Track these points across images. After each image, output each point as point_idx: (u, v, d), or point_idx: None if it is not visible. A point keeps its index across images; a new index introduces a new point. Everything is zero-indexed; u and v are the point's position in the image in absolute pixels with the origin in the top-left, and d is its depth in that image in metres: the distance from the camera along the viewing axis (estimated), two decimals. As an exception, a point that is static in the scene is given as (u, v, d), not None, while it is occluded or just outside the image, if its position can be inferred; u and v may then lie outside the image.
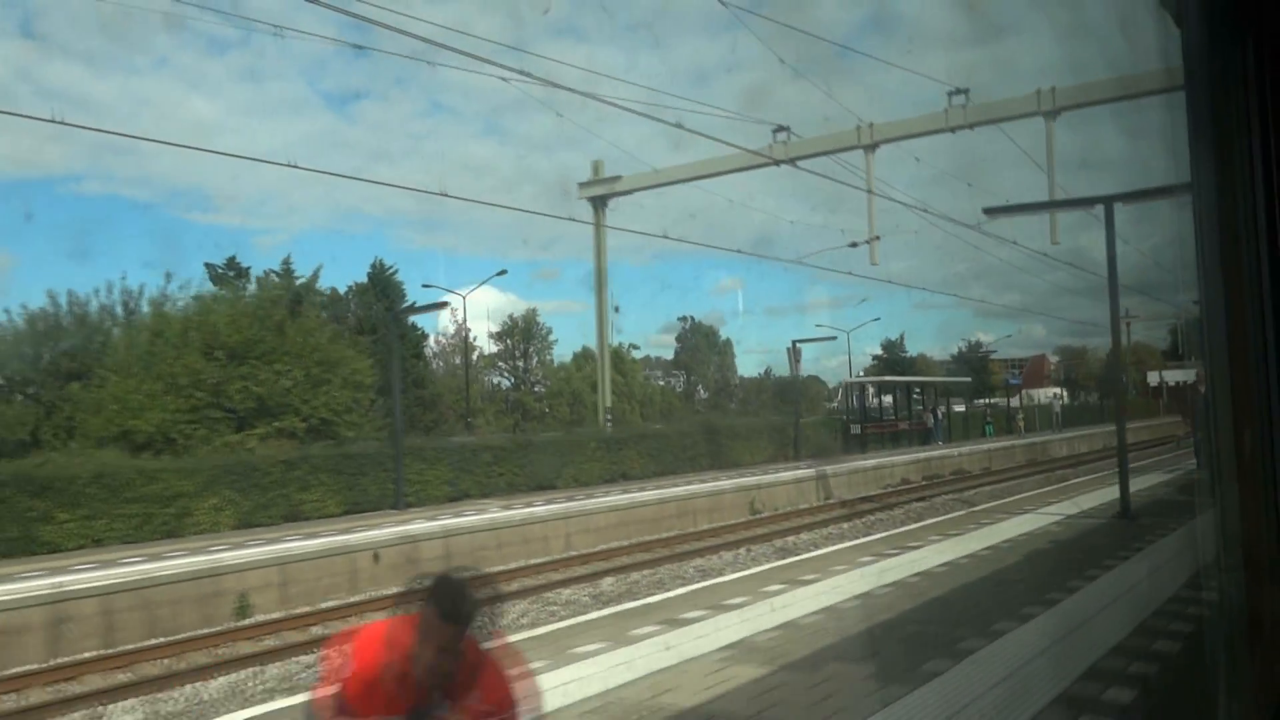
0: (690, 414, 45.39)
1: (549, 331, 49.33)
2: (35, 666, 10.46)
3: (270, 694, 8.97)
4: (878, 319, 77.63)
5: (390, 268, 37.89)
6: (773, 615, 8.62)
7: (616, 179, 25.35)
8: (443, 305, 32.91)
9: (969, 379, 54.33)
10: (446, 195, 23.18)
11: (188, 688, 9.61)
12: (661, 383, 58.31)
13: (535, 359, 52.56)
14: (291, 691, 8.53)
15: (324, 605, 13.25)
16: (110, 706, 8.98)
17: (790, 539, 18.10)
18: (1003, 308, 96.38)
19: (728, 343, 61.26)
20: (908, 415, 40.21)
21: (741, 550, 16.93)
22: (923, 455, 32.75)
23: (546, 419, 42.27)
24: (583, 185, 26.14)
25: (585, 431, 27.31)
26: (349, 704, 2.53)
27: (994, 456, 35.71)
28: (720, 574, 13.55)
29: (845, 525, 19.97)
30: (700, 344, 60.90)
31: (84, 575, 11.93)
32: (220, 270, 34.89)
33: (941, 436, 40.86)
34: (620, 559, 16.35)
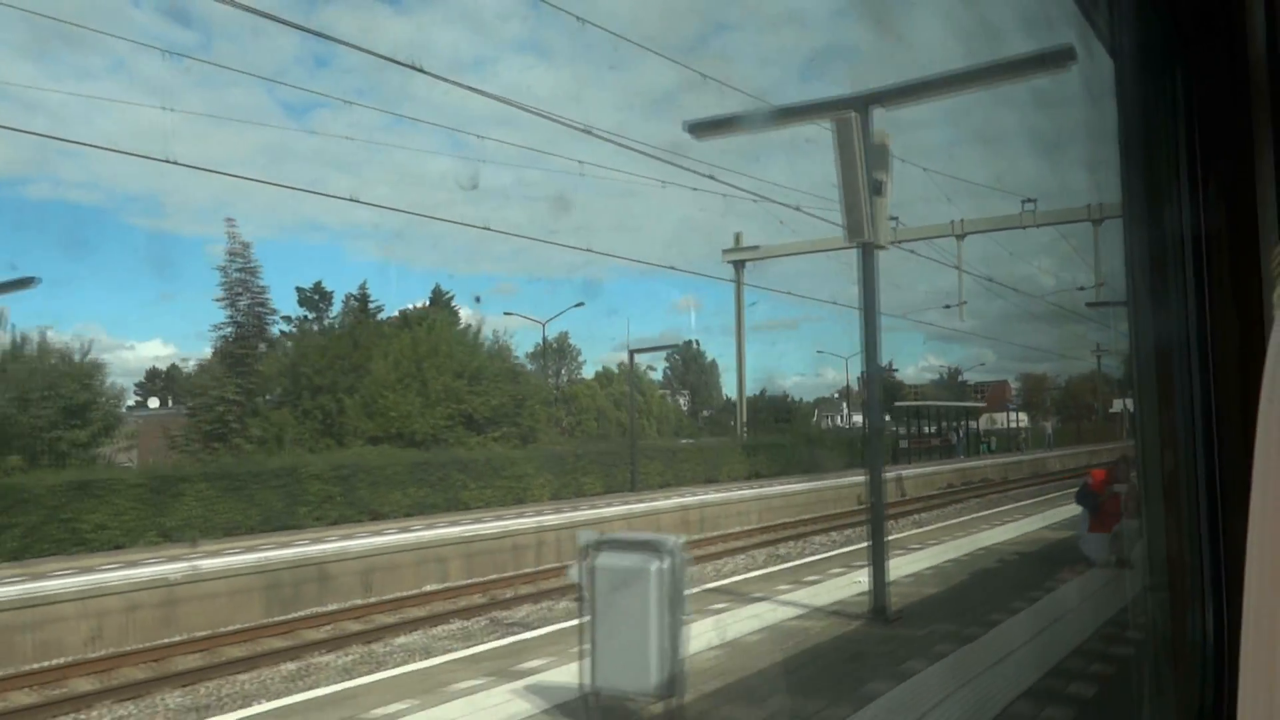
0: (697, 430, 51.37)
1: (579, 352, 55.63)
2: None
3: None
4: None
5: (448, 293, 41.35)
6: (958, 550, 14.62)
7: (755, 248, 32.93)
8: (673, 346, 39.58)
9: (983, 404, 62.94)
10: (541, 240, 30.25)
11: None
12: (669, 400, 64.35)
13: (565, 377, 59.83)
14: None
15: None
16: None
17: (914, 518, 25.69)
18: (953, 331, 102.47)
19: (713, 363, 67.29)
20: (937, 433, 48.38)
21: (890, 522, 24.47)
22: (956, 466, 40.56)
23: (576, 432, 49.39)
24: (726, 251, 33.72)
25: (730, 440, 35.02)
26: (1094, 487, 10.59)
27: (1008, 469, 43.67)
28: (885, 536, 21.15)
29: (934, 512, 27.49)
30: (693, 365, 67.08)
31: (536, 520, 19.21)
32: (308, 294, 41.44)
33: (962, 451, 49.09)
34: (811, 526, 23.83)
